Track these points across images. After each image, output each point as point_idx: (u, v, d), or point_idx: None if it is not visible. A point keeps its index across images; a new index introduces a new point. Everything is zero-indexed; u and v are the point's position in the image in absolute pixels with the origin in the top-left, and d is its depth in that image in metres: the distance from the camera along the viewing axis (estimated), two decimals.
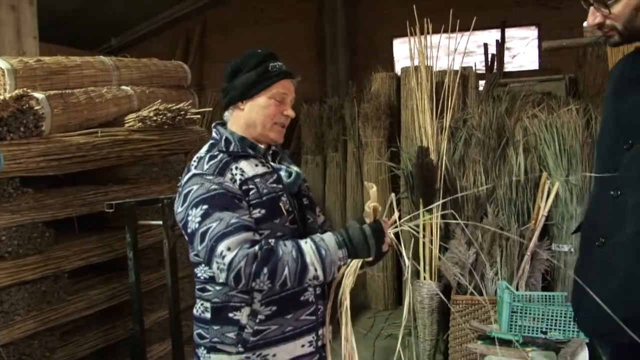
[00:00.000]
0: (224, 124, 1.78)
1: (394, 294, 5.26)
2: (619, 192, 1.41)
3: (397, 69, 7.49)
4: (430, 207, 3.55)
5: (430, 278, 3.68)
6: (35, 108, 2.45)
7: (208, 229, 1.53)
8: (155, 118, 2.98)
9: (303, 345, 1.70)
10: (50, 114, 2.55)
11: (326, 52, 8.16)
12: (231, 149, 1.67)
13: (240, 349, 1.62)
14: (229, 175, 1.61)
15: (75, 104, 2.71)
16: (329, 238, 1.59)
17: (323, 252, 1.55)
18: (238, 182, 1.61)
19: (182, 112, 3.11)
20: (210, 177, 1.59)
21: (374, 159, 5.14)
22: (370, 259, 1.64)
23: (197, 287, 1.73)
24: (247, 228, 1.54)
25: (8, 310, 2.36)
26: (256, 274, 1.49)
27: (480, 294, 3.40)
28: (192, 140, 3.24)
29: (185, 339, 3.05)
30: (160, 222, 2.70)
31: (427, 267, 3.69)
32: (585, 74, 5.94)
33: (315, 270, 1.54)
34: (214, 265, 1.53)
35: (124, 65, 3.19)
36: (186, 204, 1.59)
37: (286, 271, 1.51)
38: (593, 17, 1.49)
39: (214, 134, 1.75)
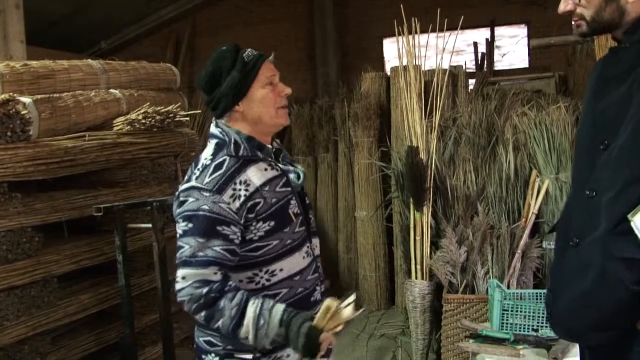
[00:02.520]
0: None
1: (387, 294, 5.27)
2: (594, 193, 1.41)
3: (388, 69, 7.50)
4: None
5: (422, 277, 3.68)
6: (22, 112, 2.44)
7: (182, 246, 1.56)
8: (144, 121, 2.97)
9: None
10: (38, 118, 2.54)
11: (316, 52, 8.17)
12: (240, 153, 1.61)
13: (257, 355, 1.62)
14: (229, 192, 1.55)
15: (63, 107, 2.70)
16: (276, 311, 1.55)
17: (261, 322, 1.53)
18: (242, 198, 1.56)
19: (171, 115, 3.10)
20: (207, 194, 1.54)
21: (365, 158, 5.14)
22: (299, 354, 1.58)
23: None
24: (209, 264, 1.54)
25: None
26: (195, 312, 1.56)
27: (472, 292, 3.41)
28: (181, 142, 3.23)
29: (177, 341, 3.05)
30: (150, 225, 2.69)
31: (419, 267, 3.70)
32: (574, 72, 5.97)
33: (248, 333, 1.54)
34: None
35: (112, 68, 3.18)
36: (179, 210, 1.59)
37: (220, 323, 1.54)
38: (565, 4, 1.50)
39: (217, 133, 1.66)
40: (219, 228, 1.54)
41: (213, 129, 1.69)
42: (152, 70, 3.47)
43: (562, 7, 1.51)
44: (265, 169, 1.64)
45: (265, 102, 1.66)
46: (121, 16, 8.32)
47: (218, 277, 1.55)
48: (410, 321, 3.77)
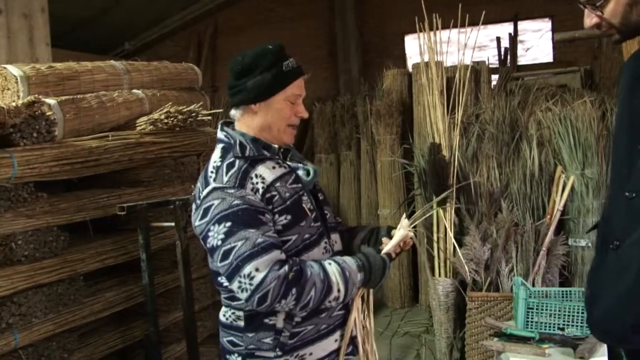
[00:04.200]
0: (229, 123, 1.73)
1: (410, 292, 5.24)
2: (634, 194, 1.37)
3: (409, 66, 7.46)
4: (442, 196, 3.53)
5: (446, 275, 3.66)
6: (48, 114, 2.48)
7: (232, 247, 1.50)
8: (166, 121, 2.99)
9: (336, 340, 1.71)
10: (63, 119, 2.57)
11: (338, 50, 8.16)
12: (247, 153, 1.61)
13: (279, 353, 1.61)
14: (249, 186, 1.56)
15: (86, 108, 2.73)
16: (350, 260, 1.63)
17: (347, 273, 1.60)
18: (260, 191, 1.57)
19: (193, 114, 3.11)
20: (232, 191, 1.54)
21: (387, 156, 5.12)
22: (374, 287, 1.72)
23: (224, 295, 1.69)
24: (275, 246, 1.52)
25: (26, 313, 2.39)
26: (284, 295, 1.50)
27: (496, 290, 3.38)
28: (203, 141, 3.25)
29: (201, 339, 3.07)
30: (173, 224, 2.72)
31: (442, 264, 3.67)
32: (601, 66, 5.88)
33: (339, 291, 1.58)
34: (236, 284, 1.51)
35: (135, 69, 3.21)
36: (207, 218, 1.55)
37: (312, 292, 1.53)
38: (589, 19, 1.47)
39: (222, 137, 1.68)
40: (260, 217, 1.54)
41: (219, 133, 1.70)
42: (174, 70, 3.49)
43: (588, 22, 1.47)
44: (274, 167, 1.64)
45: (280, 115, 1.67)
46: (144, 18, 8.42)
47: (284, 256, 1.54)
48: (434, 319, 3.75)
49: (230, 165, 1.59)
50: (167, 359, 3.02)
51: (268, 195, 1.58)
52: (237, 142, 1.63)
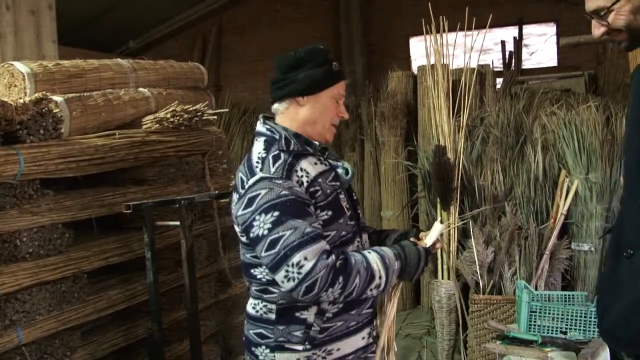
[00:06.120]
0: (269, 118, 1.75)
1: (412, 294, 5.24)
2: None
3: (414, 68, 7.47)
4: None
5: (449, 277, 3.66)
6: (55, 111, 2.48)
7: (281, 237, 1.52)
8: (172, 119, 3.00)
9: (363, 338, 1.74)
10: (69, 117, 2.58)
11: (342, 51, 8.16)
12: (291, 147, 1.64)
13: (308, 346, 1.63)
14: (295, 178, 1.59)
15: (93, 106, 2.74)
16: (387, 249, 1.66)
17: (387, 260, 1.62)
18: (305, 184, 1.60)
19: (198, 113, 3.12)
20: (280, 182, 1.56)
21: (391, 158, 5.13)
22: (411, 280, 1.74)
23: (257, 288, 1.70)
24: (322, 237, 1.56)
25: (30, 310, 2.38)
26: (332, 284, 1.52)
27: (499, 293, 3.38)
28: (208, 141, 3.25)
29: (203, 338, 3.07)
30: (178, 223, 2.72)
31: (445, 267, 3.67)
32: (605, 70, 5.88)
33: (380, 277, 1.60)
34: (282, 274, 1.52)
35: (141, 67, 3.21)
36: (252, 208, 1.57)
37: (357, 280, 1.55)
38: (597, 29, 1.49)
39: (265, 130, 1.69)
40: (306, 208, 1.57)
41: (260, 126, 1.72)
42: (180, 69, 3.49)
43: (596, 32, 1.50)
44: (315, 163, 1.67)
45: (326, 111, 1.71)
46: (149, 16, 8.43)
47: (329, 247, 1.57)
48: (436, 321, 3.75)
49: (277, 157, 1.61)
50: (170, 358, 3.02)
51: (312, 189, 1.61)
52: (282, 136, 1.66)
